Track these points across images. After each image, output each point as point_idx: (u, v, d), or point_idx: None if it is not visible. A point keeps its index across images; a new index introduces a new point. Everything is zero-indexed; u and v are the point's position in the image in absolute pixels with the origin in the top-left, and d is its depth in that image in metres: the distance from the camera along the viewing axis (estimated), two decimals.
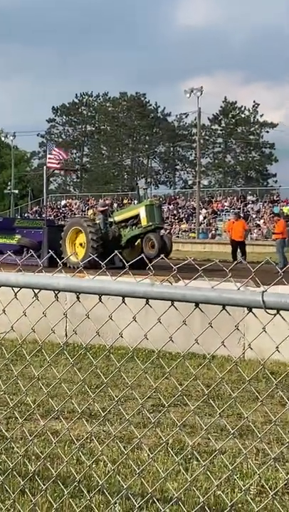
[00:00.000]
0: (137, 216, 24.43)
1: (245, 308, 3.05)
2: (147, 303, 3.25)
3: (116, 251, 3.90)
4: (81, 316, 3.69)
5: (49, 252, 3.80)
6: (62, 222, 37.57)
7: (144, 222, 23.99)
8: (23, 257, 3.94)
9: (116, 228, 24.79)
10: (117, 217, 25.35)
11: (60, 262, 3.61)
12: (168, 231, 46.86)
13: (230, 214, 57.00)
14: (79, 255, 23.23)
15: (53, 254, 3.79)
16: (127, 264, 3.31)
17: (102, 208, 26.64)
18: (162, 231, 25.72)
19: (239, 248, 29.29)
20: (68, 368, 7.76)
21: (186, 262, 3.48)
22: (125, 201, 68.56)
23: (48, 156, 29.35)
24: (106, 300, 3.40)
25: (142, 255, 3.62)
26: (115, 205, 67.05)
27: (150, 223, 23.80)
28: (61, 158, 29.00)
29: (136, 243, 24.66)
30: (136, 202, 30.59)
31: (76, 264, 19.79)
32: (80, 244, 24.07)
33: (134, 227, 24.53)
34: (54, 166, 29.65)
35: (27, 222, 32.20)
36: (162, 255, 3.55)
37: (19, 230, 28.08)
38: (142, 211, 24.26)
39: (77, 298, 3.43)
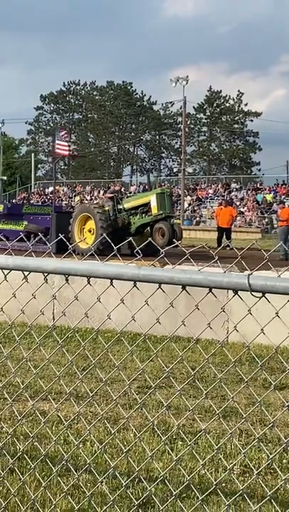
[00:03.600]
0: (148, 204, 23.77)
1: (230, 292, 3.04)
2: (135, 285, 3.23)
3: (130, 238, 3.81)
4: (69, 300, 3.68)
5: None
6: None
7: (154, 210, 23.35)
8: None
9: (125, 215, 24.16)
10: (127, 205, 24.59)
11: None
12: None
13: (214, 201, 57.04)
14: (88, 241, 22.99)
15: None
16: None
17: (111, 195, 25.87)
18: (172, 220, 25.22)
19: (225, 235, 29.22)
20: (56, 351, 7.74)
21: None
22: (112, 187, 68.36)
23: (57, 142, 28.86)
24: (94, 284, 3.38)
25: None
26: (101, 191, 66.88)
27: (161, 212, 23.18)
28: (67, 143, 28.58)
29: (144, 231, 24.04)
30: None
31: (85, 250, 19.55)
32: (89, 231, 23.58)
33: (144, 215, 23.90)
34: (62, 153, 29.17)
35: (35, 208, 31.59)
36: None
37: (26, 216, 27.72)
38: (152, 199, 23.60)
39: (66, 280, 3.41)
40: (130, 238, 3.72)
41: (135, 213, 24.23)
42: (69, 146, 28.49)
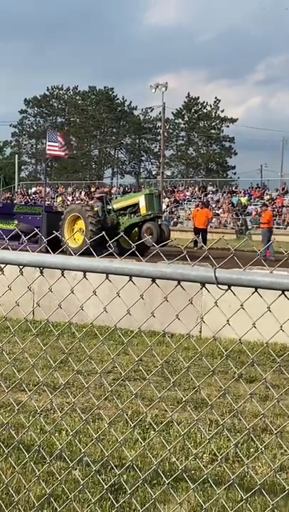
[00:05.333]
0: (136, 205, 23.77)
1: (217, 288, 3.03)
2: (107, 278, 3.23)
3: (121, 233, 3.78)
4: (48, 294, 3.67)
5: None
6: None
7: (143, 210, 23.36)
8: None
9: (114, 216, 24.10)
10: (116, 205, 24.61)
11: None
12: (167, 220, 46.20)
13: (191, 203, 57.08)
14: (77, 241, 22.82)
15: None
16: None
17: (99, 195, 25.79)
18: (160, 220, 25.00)
19: (201, 235, 29.35)
20: (34, 343, 7.73)
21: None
22: (92, 189, 68.22)
23: (49, 143, 28.54)
24: (72, 280, 3.38)
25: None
26: (83, 192, 66.76)
27: (149, 212, 23.20)
28: (64, 144, 28.23)
29: (133, 231, 23.97)
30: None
31: (75, 250, 19.50)
32: (79, 230, 23.50)
33: (132, 215, 23.87)
34: (54, 154, 28.83)
35: (26, 208, 31.37)
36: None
37: (17, 215, 27.50)
38: (141, 200, 23.61)
39: (41, 272, 3.40)
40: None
41: (124, 214, 24.17)
42: (68, 146, 28.02)
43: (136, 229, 23.80)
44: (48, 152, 28.85)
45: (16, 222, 26.62)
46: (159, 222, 23.93)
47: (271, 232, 27.80)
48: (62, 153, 29.13)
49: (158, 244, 3.81)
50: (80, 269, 3.25)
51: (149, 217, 23.19)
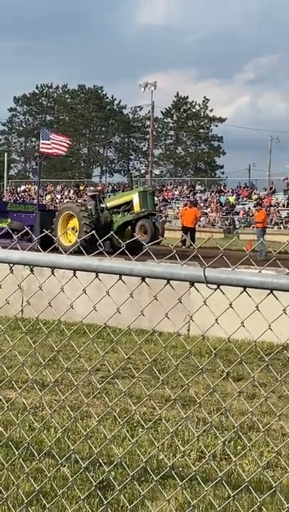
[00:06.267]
0: (130, 202, 23.53)
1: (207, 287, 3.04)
2: (97, 276, 3.24)
3: (111, 233, 3.77)
4: (38, 292, 3.67)
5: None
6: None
7: (137, 208, 23.13)
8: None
9: (108, 214, 23.86)
10: (109, 203, 24.36)
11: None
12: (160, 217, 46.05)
13: (180, 202, 57.10)
14: (71, 240, 22.54)
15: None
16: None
17: (93, 194, 25.51)
18: (154, 217, 24.79)
19: (189, 234, 29.32)
20: (24, 341, 7.72)
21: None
22: (81, 187, 68.15)
23: (42, 141, 28.31)
24: (61, 278, 3.39)
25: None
26: (72, 191, 66.63)
27: (143, 209, 22.96)
28: (64, 143, 27.97)
29: (126, 229, 23.75)
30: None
31: (67, 248, 19.33)
32: (72, 229, 23.22)
33: (126, 213, 23.65)
34: (48, 152, 28.59)
35: (19, 206, 31.25)
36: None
37: (10, 213, 27.38)
38: (135, 197, 23.38)
39: (31, 271, 3.41)
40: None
41: (117, 212, 23.95)
42: (62, 145, 27.71)
43: (129, 227, 23.63)
44: (41, 150, 28.70)
45: (9, 220, 26.55)
46: (153, 220, 23.73)
47: (265, 231, 27.89)
48: (58, 152, 28.88)
49: (152, 241, 3.80)
50: (71, 267, 3.26)
51: (143, 214, 22.97)
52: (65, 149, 28.48)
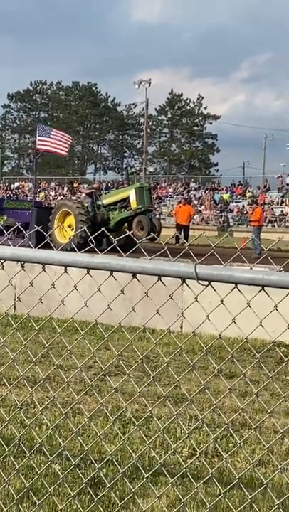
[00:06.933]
0: (127, 199, 23.46)
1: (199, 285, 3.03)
2: (88, 273, 3.23)
3: (103, 229, 3.74)
4: (29, 289, 3.65)
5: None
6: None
7: (133, 204, 23.06)
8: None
9: (104, 211, 23.79)
10: (106, 200, 24.29)
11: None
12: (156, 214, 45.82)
13: (174, 199, 57.07)
14: (67, 237, 22.35)
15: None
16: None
17: (88, 191, 25.46)
18: (151, 213, 24.75)
19: (183, 232, 29.28)
20: (15, 338, 7.70)
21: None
22: (75, 184, 68.00)
23: (39, 138, 28.11)
24: (53, 274, 3.37)
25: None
26: (65, 188, 66.49)
27: (140, 206, 22.90)
28: (64, 140, 27.76)
29: (123, 226, 23.65)
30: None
31: (64, 245, 19.11)
32: (69, 226, 23.15)
33: (123, 209, 23.58)
34: (44, 149, 28.41)
35: (15, 203, 31.14)
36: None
37: (6, 210, 27.31)
38: (132, 194, 23.30)
39: (22, 267, 3.39)
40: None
41: (114, 208, 23.82)
42: (63, 142, 27.43)
43: (126, 224, 23.52)
44: (38, 147, 28.53)
45: (5, 217, 26.51)
46: (150, 216, 23.60)
47: (261, 229, 27.89)
48: (60, 151, 28.62)
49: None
50: (62, 263, 3.24)
51: (140, 210, 22.85)
52: (67, 148, 28.24)
